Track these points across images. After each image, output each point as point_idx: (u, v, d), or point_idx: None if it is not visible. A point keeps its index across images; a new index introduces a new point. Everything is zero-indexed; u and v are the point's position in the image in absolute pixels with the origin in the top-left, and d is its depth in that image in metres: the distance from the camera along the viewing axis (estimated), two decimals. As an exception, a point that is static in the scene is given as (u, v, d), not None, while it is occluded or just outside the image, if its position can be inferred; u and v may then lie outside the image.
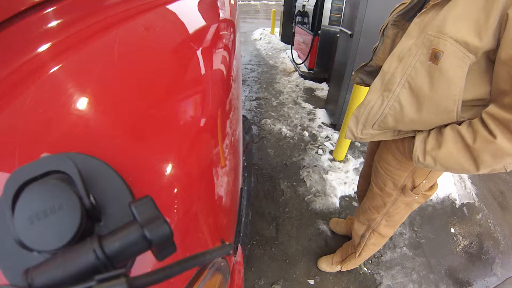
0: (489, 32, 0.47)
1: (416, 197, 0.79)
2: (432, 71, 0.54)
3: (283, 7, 4.93)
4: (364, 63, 0.86)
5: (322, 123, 2.48)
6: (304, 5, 3.54)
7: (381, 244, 1.06)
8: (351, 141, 1.94)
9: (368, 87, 0.89)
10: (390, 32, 0.75)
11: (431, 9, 0.56)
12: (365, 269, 1.33)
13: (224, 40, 0.58)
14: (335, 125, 2.37)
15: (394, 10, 0.73)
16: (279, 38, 5.45)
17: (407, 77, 0.58)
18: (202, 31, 0.53)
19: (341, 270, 1.27)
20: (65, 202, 0.19)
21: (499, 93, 0.50)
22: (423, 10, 0.58)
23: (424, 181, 0.76)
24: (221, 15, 0.70)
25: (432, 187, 0.79)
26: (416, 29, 0.59)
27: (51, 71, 0.30)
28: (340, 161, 1.97)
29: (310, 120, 2.53)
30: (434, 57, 0.53)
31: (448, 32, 0.51)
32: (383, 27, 0.76)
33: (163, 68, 0.38)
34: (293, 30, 3.87)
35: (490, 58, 0.51)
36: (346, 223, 1.43)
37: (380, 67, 0.82)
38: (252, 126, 2.28)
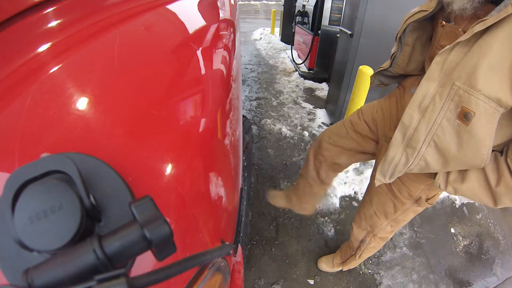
0: None
1: (430, 206, 0.78)
2: (461, 131, 0.50)
3: (283, 7, 4.92)
4: (382, 68, 0.82)
5: (322, 123, 2.48)
6: (304, 5, 3.54)
7: (382, 245, 1.06)
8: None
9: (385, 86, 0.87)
10: (410, 39, 0.70)
11: (454, 48, 0.50)
12: (365, 269, 1.33)
13: (224, 40, 0.58)
14: (335, 125, 2.37)
15: (410, 17, 0.67)
16: (279, 38, 5.45)
17: (433, 135, 0.54)
18: (202, 31, 0.53)
19: (343, 270, 1.27)
20: (65, 202, 0.19)
21: None
22: (445, 48, 0.51)
23: (439, 192, 0.75)
24: (221, 15, 0.70)
25: None
26: (438, 70, 0.52)
27: (51, 71, 0.30)
28: (340, 161, 1.97)
29: (310, 120, 2.53)
30: (464, 117, 0.48)
31: (481, 89, 0.45)
32: (399, 35, 0.72)
33: (163, 68, 0.38)
34: (293, 30, 3.87)
35: None
36: (285, 194, 1.35)
37: (400, 75, 0.79)
38: (252, 126, 2.28)
